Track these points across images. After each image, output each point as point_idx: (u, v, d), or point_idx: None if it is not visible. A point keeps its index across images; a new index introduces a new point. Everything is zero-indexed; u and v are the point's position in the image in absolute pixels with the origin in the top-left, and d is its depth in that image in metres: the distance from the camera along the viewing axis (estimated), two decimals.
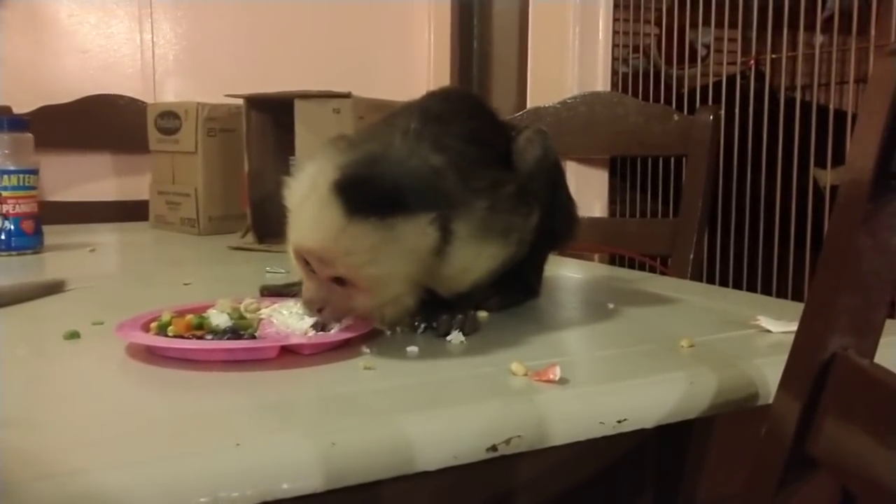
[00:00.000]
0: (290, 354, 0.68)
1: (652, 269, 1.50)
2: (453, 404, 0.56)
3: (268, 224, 1.42)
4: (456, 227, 0.73)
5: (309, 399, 0.59)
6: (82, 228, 1.71)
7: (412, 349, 0.70)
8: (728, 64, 1.81)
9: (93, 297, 0.98)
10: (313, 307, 0.72)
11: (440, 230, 0.70)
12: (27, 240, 1.30)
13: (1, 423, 0.53)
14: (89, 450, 0.48)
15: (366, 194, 0.69)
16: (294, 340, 0.69)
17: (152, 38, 2.07)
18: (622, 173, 1.96)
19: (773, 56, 1.68)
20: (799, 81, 1.66)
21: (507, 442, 0.54)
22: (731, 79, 1.76)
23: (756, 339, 0.77)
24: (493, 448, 0.54)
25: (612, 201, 1.97)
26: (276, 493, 0.47)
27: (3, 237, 1.28)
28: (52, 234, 1.40)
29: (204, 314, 0.73)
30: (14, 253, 1.29)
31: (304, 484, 0.48)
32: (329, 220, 0.68)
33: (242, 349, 0.67)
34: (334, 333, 0.70)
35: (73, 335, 0.74)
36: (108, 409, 0.58)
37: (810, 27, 1.65)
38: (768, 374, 0.66)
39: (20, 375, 0.65)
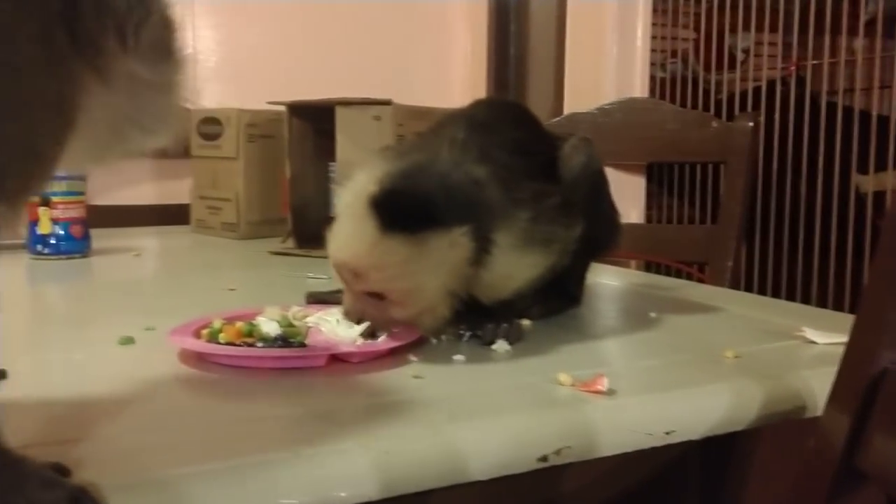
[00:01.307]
0: (337, 362, 0.69)
1: (689, 277, 1.49)
2: (503, 414, 0.57)
3: (308, 229, 1.44)
4: (496, 237, 0.75)
5: (360, 408, 0.60)
6: (125, 232, 1.74)
7: (459, 357, 0.71)
8: (768, 69, 1.80)
9: (143, 302, 1.00)
10: (352, 319, 0.74)
11: (476, 241, 0.72)
12: (76, 244, 1.33)
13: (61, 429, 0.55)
14: (148, 457, 0.50)
15: (399, 210, 0.70)
16: (343, 349, 0.70)
17: (193, 44, 2.11)
18: (659, 179, 1.96)
19: (815, 62, 1.67)
20: (840, 86, 1.64)
21: (558, 452, 0.55)
22: (770, 84, 1.74)
23: (801, 351, 0.77)
24: (544, 458, 0.54)
25: (648, 207, 1.96)
26: (334, 500, 0.48)
27: (52, 241, 1.31)
28: (97, 237, 1.43)
29: (253, 321, 0.75)
30: (63, 257, 1.32)
31: (360, 492, 0.49)
32: (362, 235, 0.71)
33: (293, 357, 0.69)
34: (382, 342, 0.72)
35: (128, 340, 0.76)
36: (164, 415, 0.59)
37: (852, 31, 1.64)
38: (815, 386, 0.66)
39: (78, 380, 0.67)
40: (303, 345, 0.71)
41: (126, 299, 1.00)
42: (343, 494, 0.49)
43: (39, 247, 1.32)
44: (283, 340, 0.71)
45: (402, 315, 0.73)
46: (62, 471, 0.47)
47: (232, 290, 1.09)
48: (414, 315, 0.74)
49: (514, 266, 0.78)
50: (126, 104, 0.57)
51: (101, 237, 1.48)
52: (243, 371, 0.67)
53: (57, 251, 1.32)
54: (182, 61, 0.60)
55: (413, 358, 0.71)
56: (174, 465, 0.48)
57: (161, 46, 0.58)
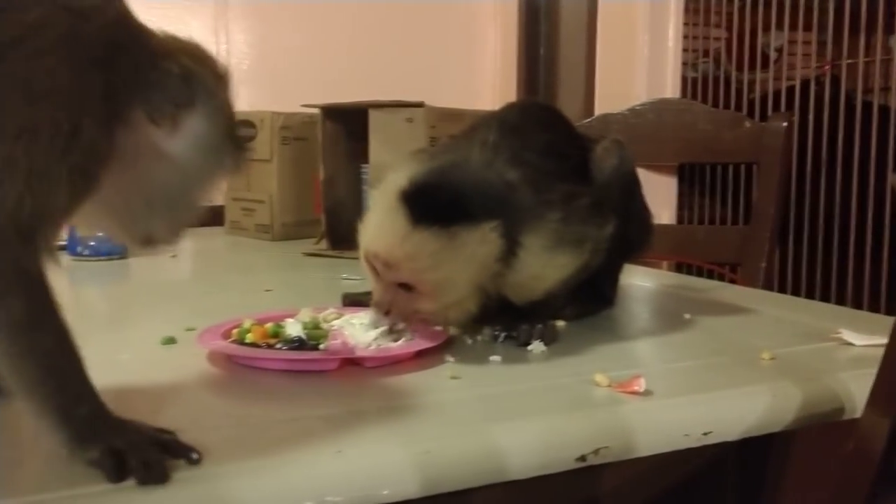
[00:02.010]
0: (352, 366, 0.70)
1: (721, 278, 1.49)
2: (542, 414, 0.58)
3: (341, 231, 1.46)
4: (525, 237, 0.76)
5: (400, 407, 0.61)
6: None
7: (495, 358, 0.72)
8: (801, 68, 1.78)
9: (183, 303, 1.02)
10: (381, 310, 0.75)
11: (503, 237, 0.73)
12: (114, 246, 1.35)
13: None
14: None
15: (430, 203, 0.72)
16: (359, 353, 0.71)
17: (227, 47, 2.13)
18: (690, 180, 1.95)
19: (849, 60, 1.65)
20: (876, 85, 1.62)
21: (596, 452, 0.55)
22: (804, 83, 1.73)
23: (838, 352, 0.77)
24: (583, 458, 0.55)
25: (679, 208, 1.95)
26: (377, 498, 0.49)
27: (92, 243, 1.34)
28: None
29: (281, 323, 0.76)
30: (103, 258, 1.35)
31: (402, 490, 0.50)
32: (394, 227, 0.72)
33: (302, 360, 0.70)
34: (397, 347, 0.73)
35: (170, 341, 0.78)
36: (206, 414, 0.61)
37: (888, 28, 1.62)
38: (853, 388, 0.66)
39: (125, 380, 0.68)
40: (316, 348, 0.72)
41: (166, 300, 1.02)
42: (385, 492, 0.50)
43: (79, 248, 1.34)
44: (301, 343, 0.73)
45: (429, 307, 0.75)
46: (164, 432, 0.51)
47: (268, 290, 1.11)
48: (441, 308, 0.75)
49: (544, 266, 0.79)
50: (143, 183, 0.58)
51: None
52: (287, 372, 0.69)
53: (96, 253, 1.35)
54: (220, 164, 0.61)
55: (450, 358, 0.72)
56: (218, 462, 0.49)
57: (204, 140, 0.58)
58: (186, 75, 0.57)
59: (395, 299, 0.75)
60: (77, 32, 0.52)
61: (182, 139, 0.58)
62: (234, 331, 0.76)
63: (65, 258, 1.35)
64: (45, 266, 0.49)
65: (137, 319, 0.93)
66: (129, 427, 0.50)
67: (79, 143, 0.51)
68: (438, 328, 0.77)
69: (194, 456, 0.49)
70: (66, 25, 0.52)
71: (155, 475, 0.47)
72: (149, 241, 0.63)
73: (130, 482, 0.46)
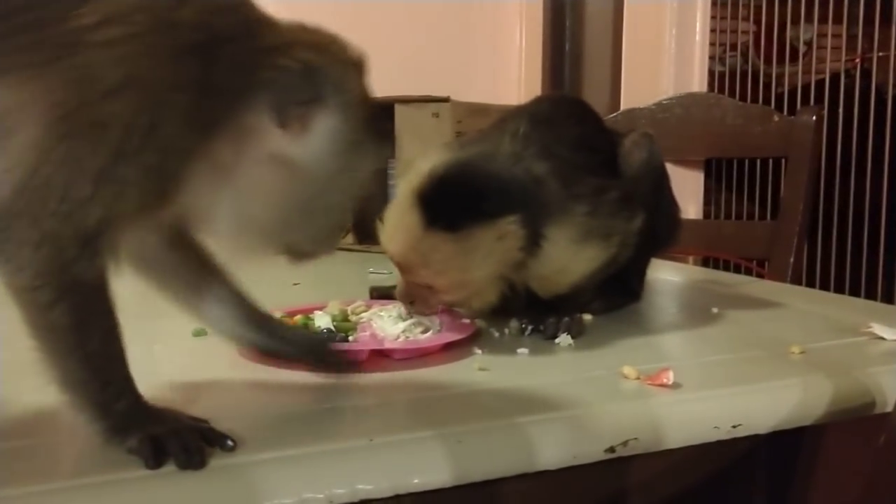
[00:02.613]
0: (380, 357, 0.70)
1: (748, 272, 1.47)
2: (571, 406, 0.58)
3: (367, 225, 1.46)
4: (550, 230, 0.76)
5: (431, 398, 0.61)
6: None
7: (522, 351, 0.72)
8: (831, 61, 1.76)
9: None
10: (405, 301, 0.76)
11: (525, 229, 0.73)
12: None
13: None
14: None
15: (445, 203, 0.72)
16: (387, 345, 0.72)
17: None
18: (717, 174, 1.93)
19: (880, 53, 1.63)
20: None
21: (625, 444, 0.55)
22: (834, 77, 1.71)
23: (870, 347, 0.76)
24: (611, 449, 0.55)
25: (706, 203, 1.94)
26: (409, 486, 0.50)
27: None
28: None
29: (311, 315, 0.77)
30: None
31: (434, 479, 0.51)
32: (408, 230, 0.72)
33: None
34: (426, 339, 0.73)
35: (201, 332, 0.79)
36: (238, 404, 0.62)
37: None
38: (884, 382, 0.65)
39: (159, 371, 0.69)
40: (346, 340, 0.73)
41: None
42: (416, 481, 0.50)
43: None
44: (329, 335, 0.73)
45: (450, 299, 0.76)
46: (199, 421, 0.52)
47: (296, 284, 1.12)
48: (462, 298, 0.76)
49: (570, 260, 0.79)
50: (276, 192, 0.53)
51: None
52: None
53: None
54: (359, 164, 0.54)
55: (478, 350, 0.72)
56: (250, 451, 0.50)
57: (338, 140, 0.52)
58: (309, 69, 0.51)
59: (417, 292, 0.75)
60: (170, 18, 0.47)
61: (313, 141, 0.52)
62: None
63: None
64: (105, 270, 0.47)
65: (169, 312, 0.94)
66: (166, 415, 0.51)
67: (155, 142, 0.46)
68: (466, 321, 0.77)
69: (229, 444, 0.49)
70: (159, 9, 0.47)
71: (194, 460, 0.47)
72: (297, 255, 0.59)
73: (167, 469, 0.47)
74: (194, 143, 0.49)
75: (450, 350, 0.72)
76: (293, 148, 0.52)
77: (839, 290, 1.63)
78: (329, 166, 0.53)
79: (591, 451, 0.55)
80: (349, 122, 0.53)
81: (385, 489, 0.49)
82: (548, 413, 0.57)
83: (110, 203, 0.46)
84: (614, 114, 1.68)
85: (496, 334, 0.78)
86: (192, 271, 0.62)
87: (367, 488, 0.49)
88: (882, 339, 0.77)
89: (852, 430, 0.66)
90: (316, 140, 0.52)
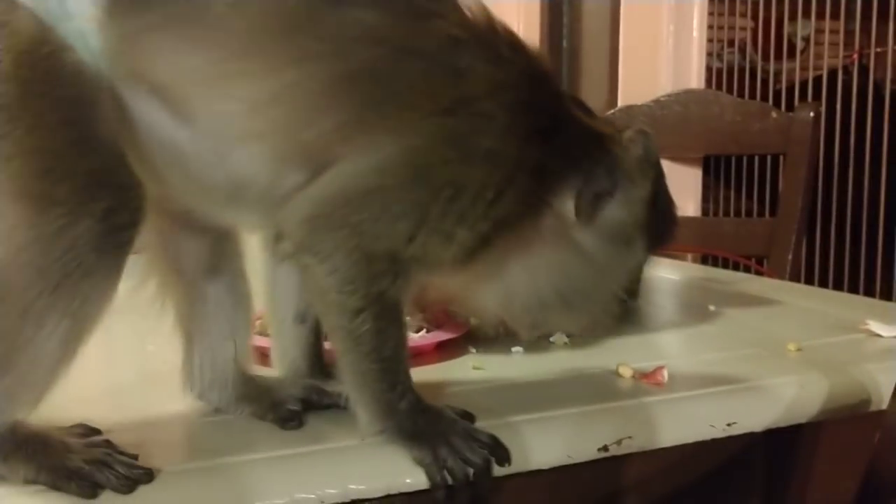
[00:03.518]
0: None
1: (747, 270, 1.47)
2: (564, 404, 0.58)
3: None
4: None
5: (425, 397, 0.61)
6: None
7: (517, 349, 0.72)
8: (829, 57, 1.76)
9: None
10: (417, 309, 0.75)
11: None
12: None
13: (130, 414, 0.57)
14: (213, 443, 0.52)
15: None
16: None
17: None
18: (715, 171, 1.93)
19: (878, 49, 1.63)
20: None
21: (619, 443, 0.55)
22: (832, 73, 1.71)
23: (866, 344, 0.76)
24: (605, 448, 0.55)
25: (704, 200, 1.94)
26: (401, 486, 0.50)
27: None
28: None
29: None
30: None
31: (425, 479, 0.50)
32: None
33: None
34: (420, 337, 0.73)
35: None
36: None
37: None
38: (881, 379, 0.65)
39: (151, 370, 0.69)
40: None
41: None
42: (408, 481, 0.50)
43: None
44: None
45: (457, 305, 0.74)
46: (467, 417, 0.54)
47: None
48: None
49: None
50: (551, 271, 0.56)
51: None
52: None
53: None
54: (634, 258, 0.57)
55: (472, 349, 0.72)
56: (242, 451, 0.50)
57: (618, 233, 0.56)
58: (611, 163, 0.55)
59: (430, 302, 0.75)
60: (531, 100, 0.52)
61: (596, 231, 0.55)
62: (258, 322, 0.76)
63: None
64: (403, 292, 0.51)
65: (162, 312, 0.94)
66: (444, 418, 0.52)
67: (492, 212, 0.50)
68: (460, 319, 0.77)
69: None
70: (524, 91, 0.51)
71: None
72: (547, 330, 0.64)
73: (155, 469, 0.47)
74: (516, 219, 0.53)
75: (444, 349, 0.72)
76: (580, 233, 0.55)
77: (838, 286, 1.63)
78: (604, 257, 0.57)
79: (584, 450, 0.55)
80: (631, 217, 0.57)
81: (377, 489, 0.49)
82: (542, 412, 0.56)
83: (427, 248, 0.50)
84: (612, 110, 1.68)
85: (491, 332, 0.78)
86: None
87: (358, 488, 0.48)
88: (879, 336, 0.77)
89: (849, 427, 0.66)
90: (600, 230, 0.56)
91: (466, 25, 0.51)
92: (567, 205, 0.54)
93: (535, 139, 0.51)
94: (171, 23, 0.49)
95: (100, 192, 0.47)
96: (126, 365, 0.72)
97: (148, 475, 0.46)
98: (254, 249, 0.62)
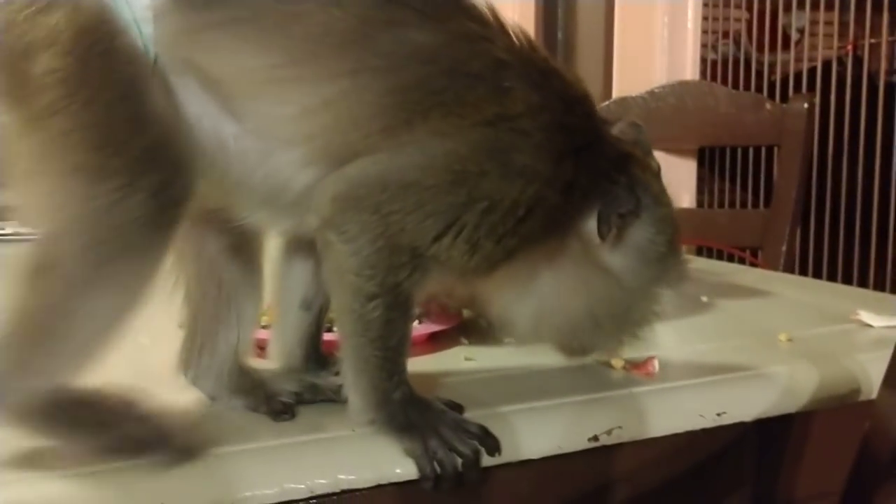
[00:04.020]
0: None
1: (741, 261, 1.48)
2: (555, 395, 0.58)
3: None
4: None
5: (416, 388, 0.61)
6: None
7: (509, 340, 0.72)
8: (823, 49, 1.76)
9: None
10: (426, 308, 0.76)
11: None
12: None
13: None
14: (211, 433, 0.52)
15: None
16: None
17: None
18: (710, 163, 1.93)
19: (872, 40, 1.63)
20: None
21: (609, 433, 0.55)
22: (826, 64, 1.71)
23: (857, 334, 0.76)
24: (595, 438, 0.55)
25: (699, 192, 1.94)
26: (391, 477, 0.50)
27: None
28: None
29: None
30: None
31: (415, 469, 0.50)
32: None
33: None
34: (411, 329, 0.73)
35: None
36: None
37: None
38: (871, 369, 0.65)
39: (145, 363, 0.69)
40: (330, 330, 0.72)
41: None
42: (399, 471, 0.50)
43: None
44: None
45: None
46: (456, 408, 0.54)
47: None
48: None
49: None
50: (578, 293, 0.57)
51: None
52: None
53: None
54: (660, 279, 0.59)
55: (464, 340, 0.72)
56: (235, 443, 0.50)
57: (645, 254, 0.57)
58: (633, 184, 0.56)
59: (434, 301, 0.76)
60: (565, 122, 0.53)
61: (625, 252, 0.57)
62: (263, 318, 0.76)
63: None
64: (417, 286, 0.52)
65: (156, 303, 0.94)
66: (434, 410, 0.53)
67: (521, 229, 0.52)
68: (452, 311, 0.77)
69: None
70: (559, 112, 0.53)
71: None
72: (582, 352, 0.63)
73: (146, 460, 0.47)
74: (542, 236, 0.54)
75: (436, 340, 0.72)
76: (606, 254, 0.56)
77: (832, 277, 1.64)
78: (632, 278, 0.58)
79: (575, 440, 0.55)
80: (657, 239, 0.57)
81: (367, 480, 0.49)
82: (532, 402, 0.57)
83: (451, 252, 0.51)
84: (606, 102, 1.67)
85: (483, 323, 0.78)
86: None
87: (348, 479, 0.49)
88: (870, 326, 0.77)
89: (838, 417, 0.67)
90: (626, 251, 0.57)
91: (512, 50, 0.53)
92: (590, 224, 0.55)
93: (566, 158, 0.53)
94: (232, 23, 0.51)
95: (153, 167, 0.47)
96: (119, 356, 0.72)
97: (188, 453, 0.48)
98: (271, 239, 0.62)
